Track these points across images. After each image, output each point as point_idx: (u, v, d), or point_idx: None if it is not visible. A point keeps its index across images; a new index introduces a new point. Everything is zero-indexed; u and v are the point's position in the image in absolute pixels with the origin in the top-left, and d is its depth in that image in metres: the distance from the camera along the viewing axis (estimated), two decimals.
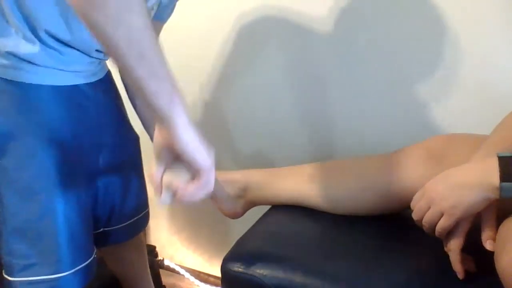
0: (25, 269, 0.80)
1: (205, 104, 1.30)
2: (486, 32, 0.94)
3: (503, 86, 0.95)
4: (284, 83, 1.18)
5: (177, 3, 0.92)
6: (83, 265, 0.85)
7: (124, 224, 1.02)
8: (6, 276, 0.82)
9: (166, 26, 0.94)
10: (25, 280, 0.80)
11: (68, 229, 0.82)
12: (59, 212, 0.81)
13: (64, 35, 0.77)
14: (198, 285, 1.52)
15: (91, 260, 0.88)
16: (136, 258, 1.19)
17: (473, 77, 0.98)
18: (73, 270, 0.83)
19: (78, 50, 0.80)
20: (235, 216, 0.96)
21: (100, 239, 0.99)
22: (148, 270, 1.23)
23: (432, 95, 1.03)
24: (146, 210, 1.08)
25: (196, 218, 1.51)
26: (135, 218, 1.04)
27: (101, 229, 0.99)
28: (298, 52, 1.14)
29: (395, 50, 1.03)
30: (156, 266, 1.47)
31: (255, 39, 1.17)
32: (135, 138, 1.03)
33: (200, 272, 1.54)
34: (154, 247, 1.52)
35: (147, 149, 1.36)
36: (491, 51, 0.95)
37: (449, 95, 1.01)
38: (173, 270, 1.57)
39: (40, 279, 0.80)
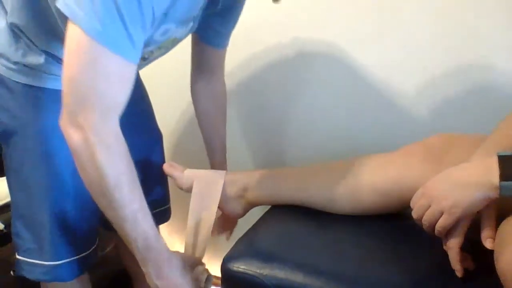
0: (26, 251, 0.86)
1: None
2: (485, 31, 0.94)
3: (503, 86, 0.95)
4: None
5: None
6: (79, 256, 0.88)
7: None
8: (16, 253, 0.88)
9: None
10: (26, 261, 0.86)
11: (62, 221, 0.85)
12: (53, 206, 0.84)
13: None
14: None
15: (90, 252, 0.91)
16: None
17: (473, 77, 0.98)
18: (67, 260, 0.87)
19: None
20: (236, 216, 0.96)
21: None
22: None
23: (431, 95, 1.03)
24: (167, 206, 1.12)
25: None
26: (153, 212, 1.06)
27: None
28: (298, 53, 1.14)
29: (394, 50, 1.03)
30: None
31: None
32: (159, 137, 1.07)
33: None
34: None
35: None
36: (490, 51, 0.95)
37: (449, 95, 1.01)
38: None
39: (37, 263, 0.86)
